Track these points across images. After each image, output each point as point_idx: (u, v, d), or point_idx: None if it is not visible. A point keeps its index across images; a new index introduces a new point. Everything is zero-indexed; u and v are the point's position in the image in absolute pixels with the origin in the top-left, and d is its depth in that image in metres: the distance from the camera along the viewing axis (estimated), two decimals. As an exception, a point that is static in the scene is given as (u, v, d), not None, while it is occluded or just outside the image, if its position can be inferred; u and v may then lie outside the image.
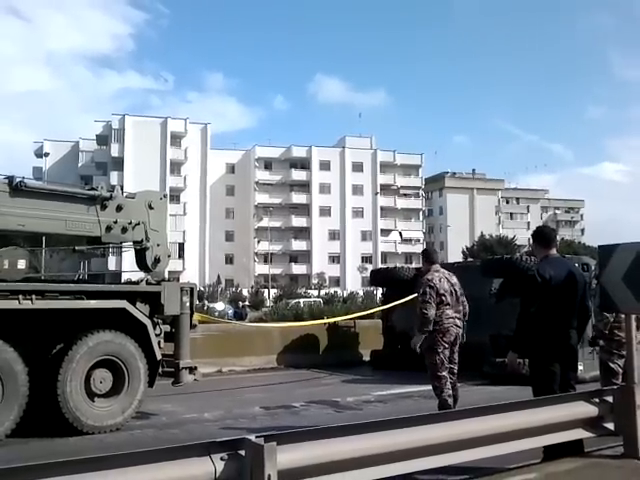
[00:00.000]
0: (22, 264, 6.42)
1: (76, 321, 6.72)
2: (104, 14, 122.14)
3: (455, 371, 6.66)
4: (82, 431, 6.48)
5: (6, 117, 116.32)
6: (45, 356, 6.62)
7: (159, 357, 7.24)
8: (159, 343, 7.29)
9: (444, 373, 6.47)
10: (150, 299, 7.23)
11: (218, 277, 63.44)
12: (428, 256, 7.09)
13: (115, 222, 7.33)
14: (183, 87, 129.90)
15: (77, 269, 34.89)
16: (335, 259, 75.91)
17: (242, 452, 3.12)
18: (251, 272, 71.79)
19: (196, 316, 8.65)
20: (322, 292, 54.35)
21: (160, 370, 7.38)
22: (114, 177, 63.81)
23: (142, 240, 7.60)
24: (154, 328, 7.24)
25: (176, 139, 70.39)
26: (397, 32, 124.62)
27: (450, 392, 6.44)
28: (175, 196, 68.58)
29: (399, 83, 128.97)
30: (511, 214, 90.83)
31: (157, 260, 7.73)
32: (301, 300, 38.08)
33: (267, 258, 69.83)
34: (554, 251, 5.35)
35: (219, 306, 37.49)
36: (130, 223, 7.46)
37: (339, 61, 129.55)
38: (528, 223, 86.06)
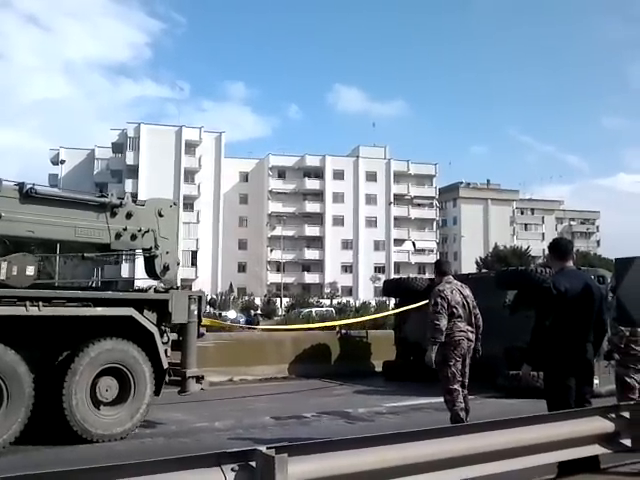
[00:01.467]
0: (31, 270, 6.39)
1: (83, 328, 6.68)
2: (121, 23, 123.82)
3: (466, 384, 6.60)
4: (89, 440, 6.44)
5: (24, 124, 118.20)
6: (52, 363, 6.58)
7: (166, 365, 7.18)
8: (166, 351, 7.24)
9: (456, 386, 6.39)
10: (158, 307, 7.20)
11: (230, 285, 63.58)
12: (440, 267, 7.04)
13: (125, 229, 7.30)
14: (198, 96, 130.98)
15: (91, 276, 35.13)
16: (348, 269, 75.81)
17: (253, 463, 3.08)
18: (263, 281, 71.88)
19: (206, 321, 8.62)
20: (334, 301, 54.29)
21: (167, 379, 7.33)
22: (129, 185, 64.35)
23: (151, 247, 7.57)
24: (161, 336, 7.19)
25: (190, 147, 70.90)
26: (417, 42, 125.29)
27: (462, 405, 6.37)
28: (189, 204, 69.00)
29: (417, 93, 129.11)
30: (526, 225, 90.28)
31: (166, 268, 7.69)
32: (313, 309, 38.08)
33: (280, 267, 69.88)
34: (570, 263, 5.28)
35: (231, 314, 37.53)
36: (140, 230, 7.44)
37: (357, 71, 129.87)
38: (543, 234, 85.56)
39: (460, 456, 3.88)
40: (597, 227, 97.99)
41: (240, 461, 3.09)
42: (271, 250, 73.57)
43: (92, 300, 6.72)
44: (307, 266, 75.44)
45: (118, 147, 70.63)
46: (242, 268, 74.16)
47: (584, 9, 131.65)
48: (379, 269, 74.12)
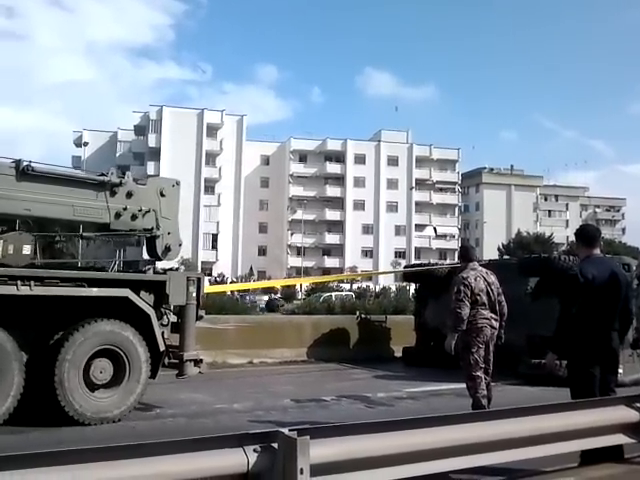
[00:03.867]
0: (27, 249, 6.27)
1: (79, 310, 6.50)
2: (144, 5, 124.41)
3: (490, 371, 6.54)
4: (81, 422, 6.28)
5: (47, 106, 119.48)
6: (46, 344, 6.43)
7: (162, 348, 6.96)
8: (163, 334, 7.04)
9: (478, 373, 6.34)
10: (155, 288, 7.00)
11: (251, 268, 63.81)
12: (465, 253, 6.95)
13: (125, 209, 7.09)
14: (220, 78, 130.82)
15: (113, 257, 35.47)
16: (368, 253, 75.68)
17: (275, 445, 3.10)
18: (284, 264, 72.09)
19: (208, 288, 8.33)
20: (354, 286, 54.28)
21: (166, 361, 7.18)
22: (151, 167, 64.75)
23: (152, 228, 7.37)
24: (160, 318, 7.02)
25: (212, 130, 71.01)
26: (454, 30, 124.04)
27: (484, 392, 6.32)
28: (210, 187, 69.30)
29: (450, 80, 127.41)
30: (549, 211, 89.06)
31: (167, 249, 7.49)
32: (333, 294, 38.09)
33: (300, 251, 70.02)
34: (597, 251, 5.19)
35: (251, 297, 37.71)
36: (140, 210, 7.22)
37: (392, 56, 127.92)
38: (567, 221, 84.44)
39: (483, 442, 3.86)
40: (622, 214, 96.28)
41: (262, 443, 3.11)
42: (291, 234, 73.68)
43: (87, 280, 6.47)
44: (327, 250, 75.46)
45: (140, 129, 70.98)
46: (262, 252, 74.43)
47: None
48: (400, 254, 73.84)
